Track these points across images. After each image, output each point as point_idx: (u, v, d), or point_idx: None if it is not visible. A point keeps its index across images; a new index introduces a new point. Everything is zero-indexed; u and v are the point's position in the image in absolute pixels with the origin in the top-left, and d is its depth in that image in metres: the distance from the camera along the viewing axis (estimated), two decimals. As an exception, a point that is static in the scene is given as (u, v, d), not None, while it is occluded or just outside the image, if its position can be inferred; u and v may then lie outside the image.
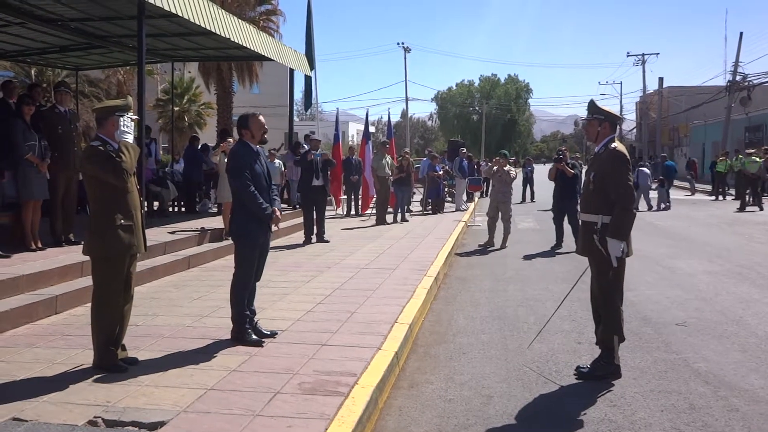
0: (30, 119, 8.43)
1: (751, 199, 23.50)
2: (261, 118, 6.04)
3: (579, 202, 12.83)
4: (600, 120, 5.50)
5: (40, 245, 8.50)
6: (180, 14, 10.14)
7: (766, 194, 26.33)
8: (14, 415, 4.15)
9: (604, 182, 5.29)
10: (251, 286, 6.06)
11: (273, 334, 6.02)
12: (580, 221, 5.67)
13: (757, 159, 24.07)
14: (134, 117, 5.58)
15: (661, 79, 57.01)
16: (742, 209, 22.17)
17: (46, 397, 4.49)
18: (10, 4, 10.86)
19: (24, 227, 8.41)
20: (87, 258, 5.10)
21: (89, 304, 5.22)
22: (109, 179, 5.02)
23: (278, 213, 5.96)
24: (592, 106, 5.59)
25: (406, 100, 56.41)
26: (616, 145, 5.41)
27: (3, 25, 12.20)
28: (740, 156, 26.00)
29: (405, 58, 53.64)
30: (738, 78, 37.64)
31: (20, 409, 4.25)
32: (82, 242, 5.18)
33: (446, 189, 22.46)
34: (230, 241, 11.47)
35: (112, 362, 5.03)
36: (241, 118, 6.06)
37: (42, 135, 8.52)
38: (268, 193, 5.98)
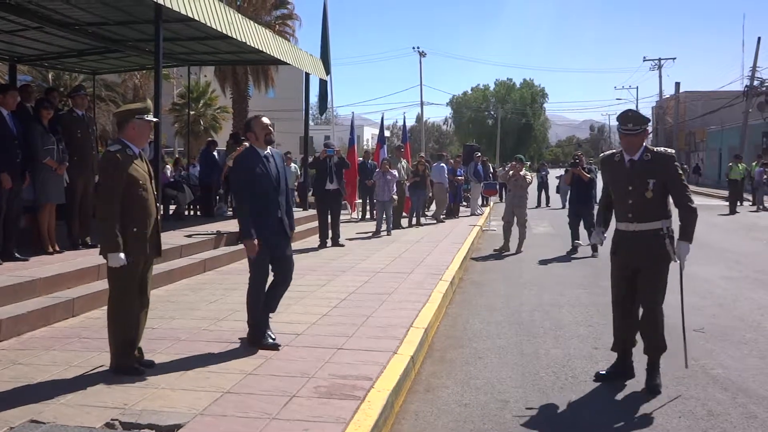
0: (48, 123, 8.49)
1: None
2: (264, 119, 5.99)
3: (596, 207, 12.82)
4: (646, 129, 5.35)
5: (57, 248, 8.56)
6: (197, 18, 10.19)
7: (747, 200, 26.20)
8: (32, 417, 4.16)
9: (666, 187, 5.18)
10: (265, 289, 6.02)
11: (275, 346, 5.80)
12: (629, 230, 5.32)
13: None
14: (154, 119, 5.59)
15: (677, 84, 56.60)
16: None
17: (63, 399, 4.51)
18: (27, 9, 10.96)
19: (41, 231, 8.48)
20: (103, 261, 5.10)
21: (105, 307, 5.24)
22: (109, 188, 5.02)
23: (255, 243, 5.65)
24: (639, 117, 5.32)
25: (421, 104, 56.55)
26: (664, 148, 5.36)
27: (21, 30, 12.30)
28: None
29: (420, 63, 53.82)
30: (755, 83, 37.36)
31: (38, 412, 4.26)
32: (99, 245, 5.17)
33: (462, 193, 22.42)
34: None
35: (128, 365, 5.05)
36: (245, 123, 6.13)
37: (60, 138, 8.58)
38: (278, 198, 5.91)
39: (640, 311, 5.48)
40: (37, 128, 8.27)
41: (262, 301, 5.93)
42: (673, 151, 5.40)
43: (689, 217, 5.15)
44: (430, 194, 19.56)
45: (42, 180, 8.33)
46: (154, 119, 5.61)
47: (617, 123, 5.49)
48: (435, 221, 18.62)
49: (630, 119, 5.24)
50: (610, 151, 5.63)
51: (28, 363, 5.31)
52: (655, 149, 5.32)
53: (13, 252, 7.88)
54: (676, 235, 5.22)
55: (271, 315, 6.12)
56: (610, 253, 5.54)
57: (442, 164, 20.25)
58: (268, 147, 5.96)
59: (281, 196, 5.96)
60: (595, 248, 12.43)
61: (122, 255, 4.94)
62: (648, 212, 5.23)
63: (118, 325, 5.08)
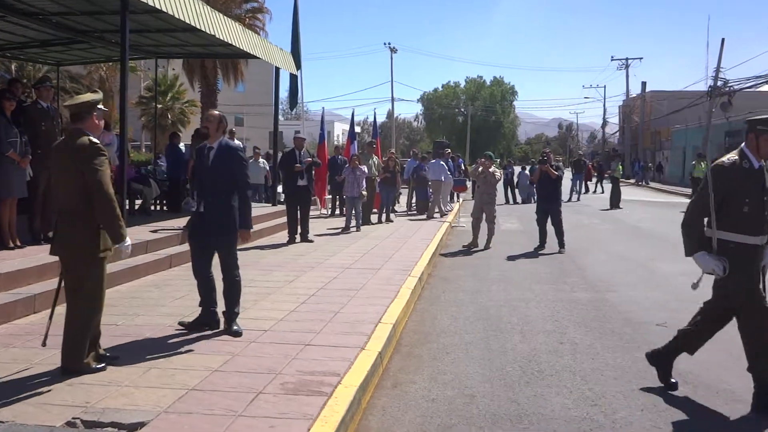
0: (10, 115, 8.29)
1: None
2: (211, 112, 6.37)
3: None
4: None
5: (18, 243, 8.37)
6: (164, 10, 10.02)
7: None
8: (-9, 416, 4.08)
9: None
10: (198, 279, 6.27)
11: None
12: (744, 243, 4.82)
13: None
14: (104, 109, 5.56)
15: (644, 84, 57.49)
16: None
17: (23, 397, 4.42)
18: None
19: (1, 225, 8.27)
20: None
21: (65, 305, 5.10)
22: (107, 177, 4.97)
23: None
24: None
25: (392, 100, 56.51)
26: None
27: (-19, 19, 12.04)
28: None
29: (391, 59, 53.74)
30: (719, 83, 37.96)
31: (-3, 410, 4.18)
32: (69, 243, 4.97)
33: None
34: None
35: (88, 365, 4.96)
36: None
37: (23, 131, 8.38)
38: (201, 191, 6.18)
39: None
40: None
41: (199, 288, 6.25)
42: None
43: None
44: (400, 191, 19.54)
45: (4, 173, 8.12)
46: (105, 109, 5.66)
47: (760, 127, 4.86)
48: (427, 218, 18.55)
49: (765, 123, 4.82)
50: (730, 158, 4.95)
51: (-12, 360, 5.21)
52: None
53: (-28, 246, 7.70)
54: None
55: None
56: (737, 270, 4.86)
57: (442, 162, 20.26)
58: (219, 140, 6.15)
59: (204, 190, 6.15)
60: (562, 244, 12.56)
61: (129, 242, 5.00)
62: None
63: (88, 326, 4.96)
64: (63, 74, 24.32)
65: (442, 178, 19.33)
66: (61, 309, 5.04)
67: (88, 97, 5.18)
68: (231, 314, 6.16)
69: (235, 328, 6.09)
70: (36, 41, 14.27)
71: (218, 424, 4.02)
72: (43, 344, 5.09)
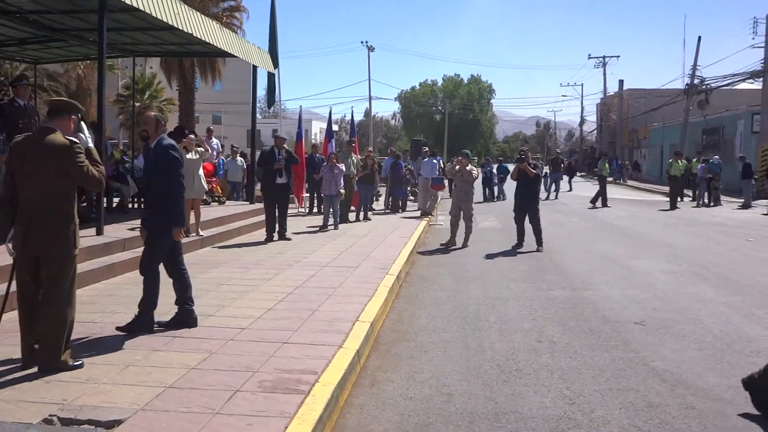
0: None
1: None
2: (146, 114, 6.46)
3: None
4: None
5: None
6: (142, 8, 9.97)
7: (688, 195, 27.08)
8: (-34, 415, 4.05)
9: None
10: (171, 278, 6.39)
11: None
12: None
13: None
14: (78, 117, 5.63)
15: (621, 82, 58.07)
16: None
17: (0, 395, 4.40)
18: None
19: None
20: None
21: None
22: (94, 175, 5.04)
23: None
24: None
25: (370, 98, 56.55)
26: None
27: (-43, 16, 11.89)
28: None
29: (369, 57, 53.68)
30: (696, 81, 38.42)
31: (-28, 409, 4.15)
32: (47, 241, 4.93)
33: (409, 188, 22.53)
34: (191, 238, 11.40)
35: (67, 362, 4.94)
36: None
37: (0, 128, 8.31)
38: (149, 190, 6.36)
39: None
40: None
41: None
42: None
43: None
44: (378, 189, 19.56)
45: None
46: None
47: None
48: (424, 216, 18.57)
49: None
50: None
51: (-38, 359, 5.16)
52: None
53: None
54: None
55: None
56: None
57: (434, 160, 20.31)
58: (159, 140, 6.20)
59: (148, 189, 6.34)
60: (540, 242, 12.65)
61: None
62: None
63: (68, 321, 4.99)
64: (41, 72, 24.03)
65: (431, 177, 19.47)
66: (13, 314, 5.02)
67: (70, 100, 5.28)
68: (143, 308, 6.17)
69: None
70: (13, 39, 14.12)
71: (195, 422, 4.02)
72: None
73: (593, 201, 24.19)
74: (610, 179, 28.35)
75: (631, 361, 5.88)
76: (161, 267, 6.29)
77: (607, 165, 26.05)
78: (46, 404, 4.25)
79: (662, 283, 9.60)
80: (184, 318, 6.27)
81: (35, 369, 4.90)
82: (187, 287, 6.33)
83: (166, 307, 6.84)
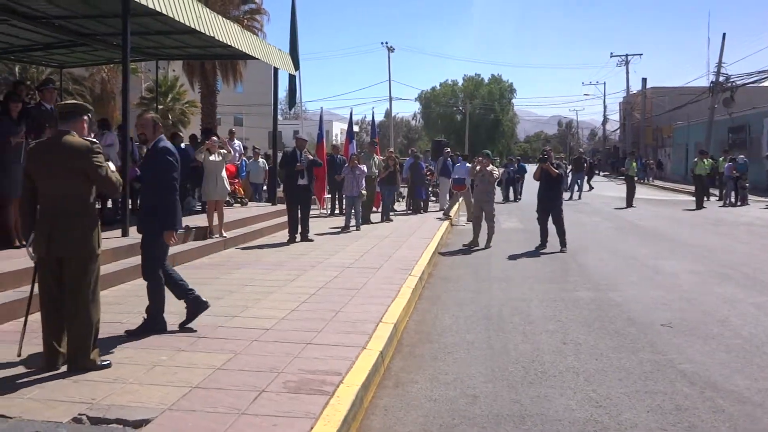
0: (16, 116, 8.36)
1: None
2: (144, 116, 6.37)
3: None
4: None
5: (24, 242, 8.40)
6: (165, 12, 10.09)
7: (714, 195, 26.68)
8: (-2, 413, 4.11)
9: None
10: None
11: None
12: None
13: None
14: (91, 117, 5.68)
15: (644, 80, 57.45)
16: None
17: (30, 394, 4.46)
18: (-8, 1, 10.77)
19: (8, 224, 8.32)
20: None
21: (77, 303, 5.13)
22: (110, 177, 5.11)
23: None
24: None
25: (390, 99, 56.71)
26: None
27: (-15, 23, 12.09)
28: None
29: (389, 58, 53.85)
30: (721, 79, 37.95)
31: (4, 406, 4.22)
32: (70, 242, 4.99)
33: (430, 189, 22.47)
34: (215, 239, 11.47)
35: (95, 362, 5.01)
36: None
37: (28, 132, 8.45)
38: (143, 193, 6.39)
39: None
40: (6, 122, 8.14)
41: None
42: None
43: None
44: (400, 190, 19.51)
45: (11, 174, 8.18)
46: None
47: None
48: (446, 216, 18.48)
49: None
50: None
51: (-7, 359, 5.24)
52: None
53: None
54: None
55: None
56: None
57: (467, 164, 20.06)
58: (156, 142, 6.21)
59: (143, 191, 6.35)
60: (564, 243, 12.56)
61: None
62: None
63: (93, 322, 5.06)
64: (66, 76, 24.27)
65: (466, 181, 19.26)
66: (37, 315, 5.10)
67: (76, 102, 5.34)
68: (151, 313, 6.19)
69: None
70: (39, 44, 14.33)
71: (222, 422, 4.04)
72: (19, 354, 5.11)
73: (629, 203, 23.80)
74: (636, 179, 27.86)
75: (659, 364, 5.81)
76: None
77: (634, 164, 25.59)
78: (75, 403, 4.30)
79: (689, 283, 9.50)
80: (195, 306, 6.29)
81: (62, 369, 4.97)
82: (177, 281, 6.35)
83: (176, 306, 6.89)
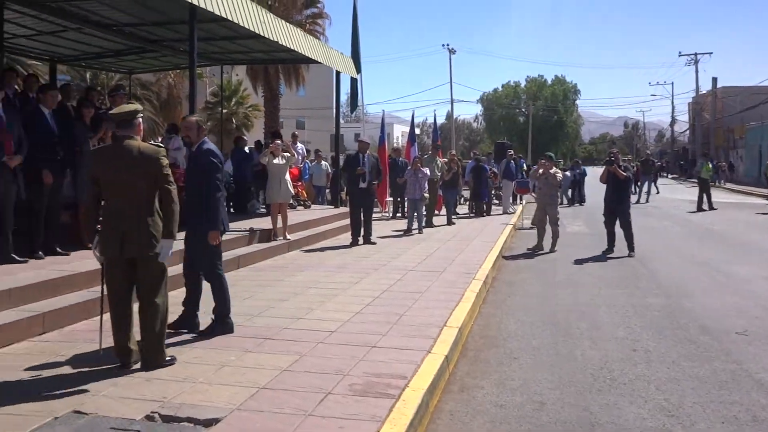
0: (89, 122, 8.63)
1: None
2: (187, 120, 6.51)
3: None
4: None
5: (90, 245, 8.65)
6: (230, 18, 10.27)
7: None
8: (74, 408, 4.24)
9: None
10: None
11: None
12: None
13: None
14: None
15: (714, 80, 55.58)
16: None
17: (104, 391, 4.58)
18: (68, 11, 11.17)
19: (81, 226, 8.59)
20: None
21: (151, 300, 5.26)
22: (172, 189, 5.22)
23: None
24: None
25: (452, 101, 56.26)
26: None
27: (61, 31, 12.56)
28: None
29: (450, 60, 53.57)
30: (796, 78, 36.55)
31: (80, 403, 4.34)
32: (146, 242, 5.11)
33: (493, 191, 22.26)
34: (279, 242, 11.59)
35: (166, 357, 5.18)
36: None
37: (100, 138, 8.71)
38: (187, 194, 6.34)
39: None
40: (80, 127, 8.42)
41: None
42: None
43: None
44: (463, 192, 19.40)
45: (83, 177, 8.44)
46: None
47: None
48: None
49: None
50: None
51: (70, 355, 5.41)
52: None
53: (54, 246, 8.03)
54: None
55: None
56: None
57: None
58: (200, 144, 6.24)
59: (187, 192, 6.30)
60: (632, 248, 12.25)
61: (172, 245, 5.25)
62: None
63: (165, 320, 5.24)
64: (134, 82, 25.00)
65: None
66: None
67: (130, 107, 5.42)
68: (217, 314, 6.26)
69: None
70: (110, 51, 14.81)
71: (288, 423, 4.06)
72: (100, 351, 5.22)
73: (710, 207, 23.07)
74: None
75: (734, 373, 5.60)
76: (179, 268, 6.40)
77: (709, 165, 24.63)
78: (147, 401, 4.39)
79: (764, 290, 9.15)
80: (185, 322, 6.28)
81: (132, 367, 5.10)
82: (199, 294, 6.40)
83: (255, 309, 6.98)
